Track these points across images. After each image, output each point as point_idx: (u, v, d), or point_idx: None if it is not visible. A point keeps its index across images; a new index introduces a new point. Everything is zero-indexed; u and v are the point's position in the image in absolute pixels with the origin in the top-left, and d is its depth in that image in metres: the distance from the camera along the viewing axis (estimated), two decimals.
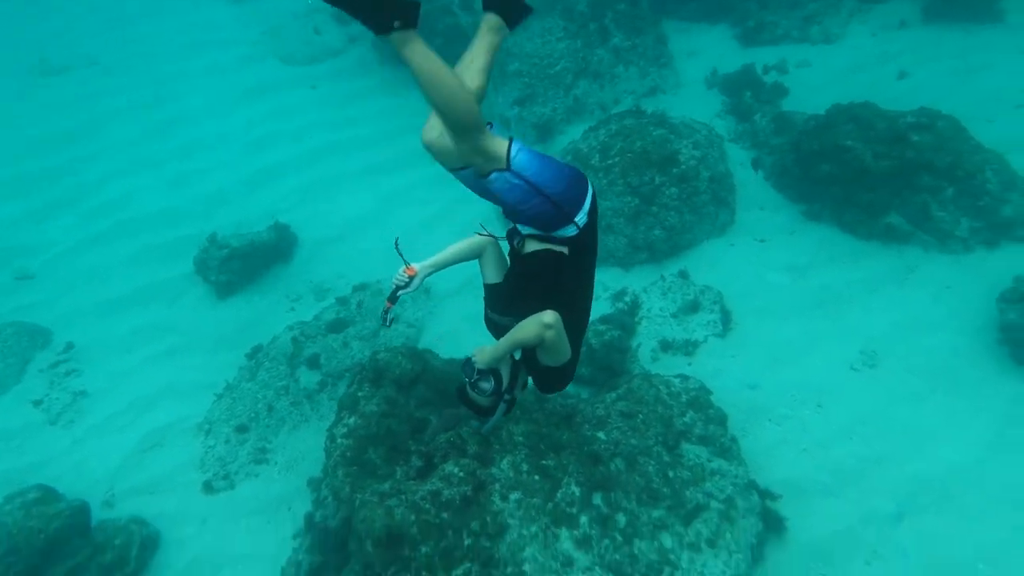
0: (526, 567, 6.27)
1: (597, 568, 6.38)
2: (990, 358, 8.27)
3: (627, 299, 9.72)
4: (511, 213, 3.11)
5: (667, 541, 6.71)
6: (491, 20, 3.00)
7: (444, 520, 6.49)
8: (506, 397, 3.18)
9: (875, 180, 9.81)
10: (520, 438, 7.22)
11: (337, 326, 10.04)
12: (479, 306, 11.61)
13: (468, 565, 6.28)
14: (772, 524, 7.03)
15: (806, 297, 9.34)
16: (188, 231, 12.07)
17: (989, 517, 6.86)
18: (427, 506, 6.52)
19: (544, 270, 3.08)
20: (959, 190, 9.60)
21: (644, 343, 9.19)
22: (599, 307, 9.69)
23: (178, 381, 9.83)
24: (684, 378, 8.06)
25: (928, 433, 7.65)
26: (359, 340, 9.87)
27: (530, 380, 3.52)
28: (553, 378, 3.22)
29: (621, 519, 6.71)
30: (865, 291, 9.30)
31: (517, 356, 3.24)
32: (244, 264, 11.15)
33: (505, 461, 7.03)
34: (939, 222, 9.61)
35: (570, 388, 8.73)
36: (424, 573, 6.08)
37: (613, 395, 7.90)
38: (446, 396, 7.98)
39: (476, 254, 3.55)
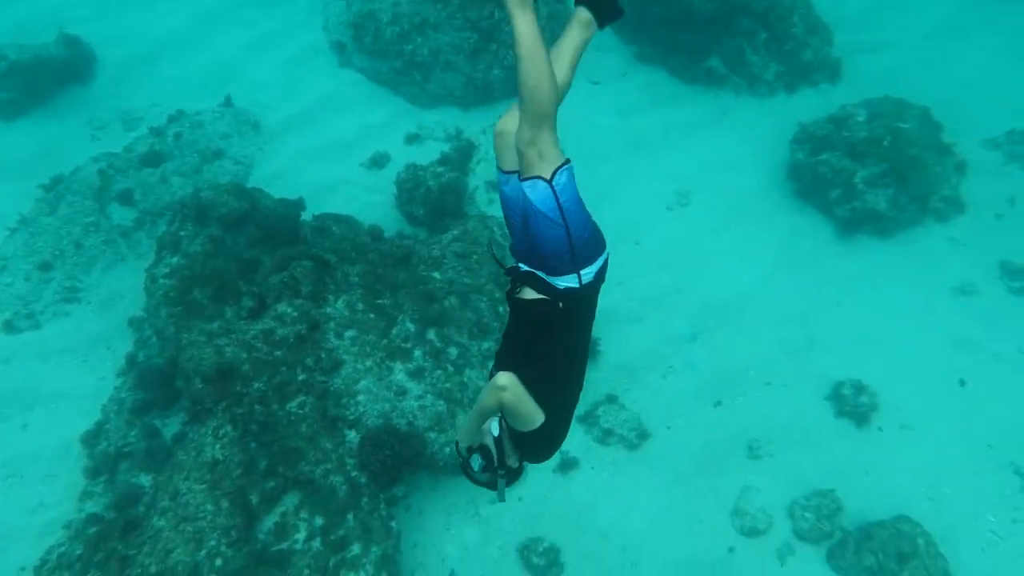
0: (360, 398, 6.60)
1: (429, 395, 6.84)
2: (780, 194, 9.33)
3: (463, 140, 9.69)
4: (523, 240, 2.87)
5: None
6: (582, 16, 2.90)
7: (277, 357, 6.59)
8: (500, 472, 2.90)
9: (699, 23, 10.17)
10: (356, 278, 7.29)
11: (153, 159, 9.19)
12: (314, 141, 10.93)
13: (303, 398, 6.51)
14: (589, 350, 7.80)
15: (631, 139, 9.81)
16: None
17: (760, 333, 8.07)
18: (259, 344, 6.56)
19: (535, 320, 2.86)
20: (771, 35, 10.25)
21: (480, 186, 9.34)
22: (436, 147, 9.62)
23: None
24: None
25: (722, 263, 8.65)
26: (179, 176, 9.16)
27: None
28: (533, 444, 2.93)
29: (453, 351, 7.15)
30: (683, 134, 9.94)
31: (494, 430, 2.92)
32: (29, 81, 9.70)
33: (340, 301, 7.13)
34: (751, 66, 10.30)
35: (407, 229, 8.82)
36: (257, 406, 6.24)
37: (449, 236, 8.08)
38: (277, 236, 7.78)
39: None
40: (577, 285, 2.78)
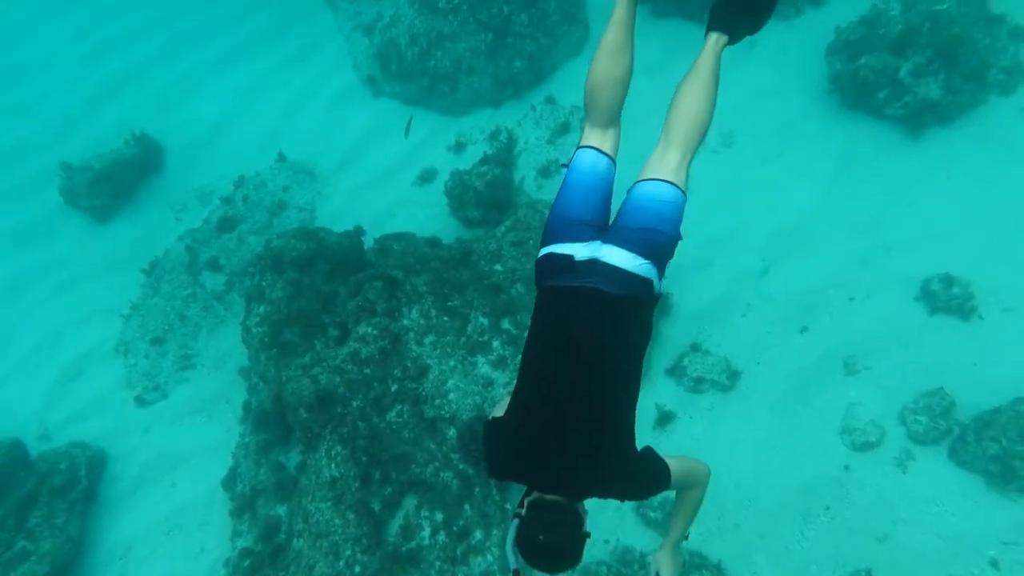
0: (451, 396, 6.96)
1: (515, 380, 7.09)
2: (825, 108, 9.01)
3: (503, 136, 9.95)
4: None
5: None
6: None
7: (367, 375, 7.06)
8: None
9: None
10: (424, 287, 7.68)
11: (227, 225, 10.04)
12: (365, 174, 11.48)
13: (400, 407, 6.93)
14: (660, 306, 7.88)
15: (663, 95, 9.66)
16: (41, 164, 11.39)
17: (832, 248, 7.86)
18: (348, 366, 7.04)
19: None
20: None
21: (527, 175, 9.58)
22: (478, 149, 9.92)
23: (80, 311, 9.80)
24: None
25: (779, 189, 8.47)
26: (253, 234, 9.93)
27: None
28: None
29: None
30: None
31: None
32: (114, 185, 10.74)
33: (414, 311, 7.54)
34: None
35: (466, 233, 9.16)
36: (360, 423, 6.71)
37: (502, 228, 8.36)
38: (348, 266, 8.31)
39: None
40: (538, 259, 2.77)
